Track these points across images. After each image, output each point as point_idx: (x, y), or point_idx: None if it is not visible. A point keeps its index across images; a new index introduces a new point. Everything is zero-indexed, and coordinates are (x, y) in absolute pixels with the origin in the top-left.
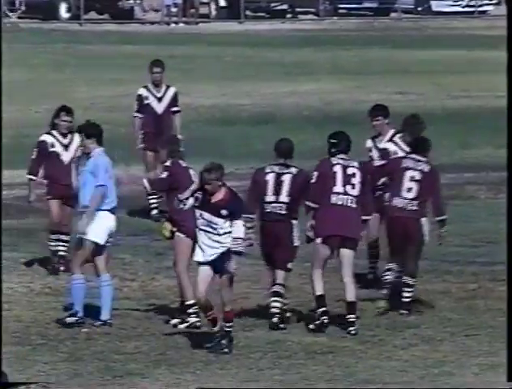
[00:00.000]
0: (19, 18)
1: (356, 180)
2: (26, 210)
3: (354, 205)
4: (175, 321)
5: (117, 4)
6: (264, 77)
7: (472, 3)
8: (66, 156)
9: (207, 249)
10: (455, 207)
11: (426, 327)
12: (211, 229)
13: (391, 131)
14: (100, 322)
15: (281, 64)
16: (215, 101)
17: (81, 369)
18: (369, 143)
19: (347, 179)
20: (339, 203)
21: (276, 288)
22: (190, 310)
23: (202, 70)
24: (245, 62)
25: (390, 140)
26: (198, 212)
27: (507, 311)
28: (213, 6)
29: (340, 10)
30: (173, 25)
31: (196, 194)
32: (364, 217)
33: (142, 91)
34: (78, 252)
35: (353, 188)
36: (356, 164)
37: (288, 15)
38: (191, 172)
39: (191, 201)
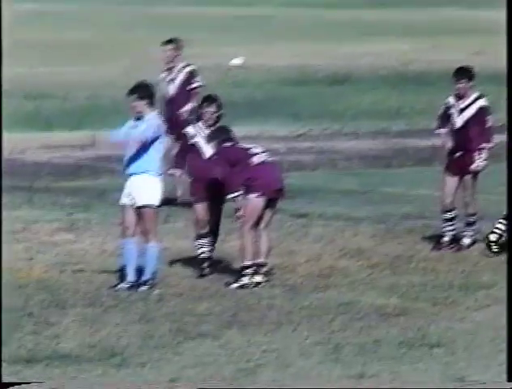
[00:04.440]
0: None
1: None
2: (99, 171)
3: None
4: (244, 281)
5: None
6: (339, 37)
7: None
8: (208, 150)
9: None
10: None
11: (499, 288)
12: None
13: (475, 94)
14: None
15: (357, 24)
16: (290, 62)
17: (152, 330)
18: (452, 101)
19: None
20: None
21: None
22: (247, 271)
23: (277, 30)
24: (320, 23)
25: (473, 103)
26: None
27: (507, 311)
28: None
29: None
30: None
31: None
32: None
33: (161, 76)
34: (149, 220)
35: None
36: None
37: None
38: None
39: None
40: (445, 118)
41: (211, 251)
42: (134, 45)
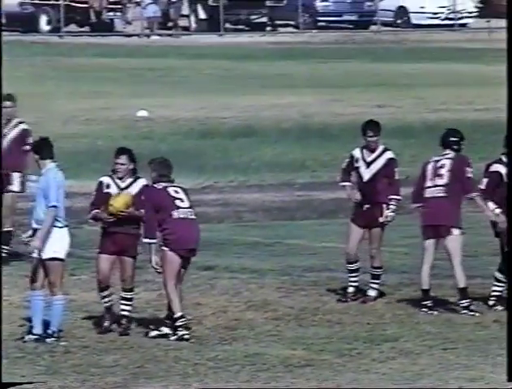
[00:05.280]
0: None
1: (445, 169)
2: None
3: (444, 194)
4: (154, 333)
5: (97, 17)
6: (243, 90)
7: (452, 16)
8: None
9: None
10: None
11: (404, 341)
12: None
13: (381, 147)
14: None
15: (261, 77)
16: (195, 114)
17: (59, 382)
18: (357, 154)
19: (436, 171)
20: (429, 196)
21: None
22: (178, 323)
23: (182, 82)
24: (224, 75)
25: (380, 156)
26: None
27: (507, 313)
28: (193, 19)
29: (320, 23)
30: (154, 37)
31: None
32: (468, 195)
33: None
34: (54, 273)
35: (441, 178)
36: (451, 155)
37: (268, 28)
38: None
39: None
40: (350, 171)
41: (124, 305)
42: (42, 98)
